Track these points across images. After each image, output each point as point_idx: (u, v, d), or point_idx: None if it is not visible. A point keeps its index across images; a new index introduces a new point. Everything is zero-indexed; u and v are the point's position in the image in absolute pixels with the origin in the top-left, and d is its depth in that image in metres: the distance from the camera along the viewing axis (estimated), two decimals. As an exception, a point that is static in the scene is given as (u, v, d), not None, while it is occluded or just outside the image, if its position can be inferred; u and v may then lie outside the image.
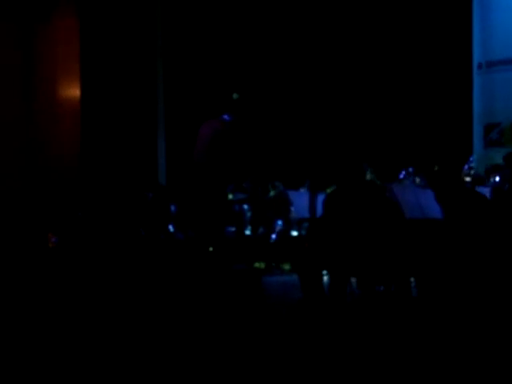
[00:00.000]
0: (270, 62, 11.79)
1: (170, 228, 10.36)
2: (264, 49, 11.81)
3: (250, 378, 4.81)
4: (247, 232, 10.24)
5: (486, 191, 7.26)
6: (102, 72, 11.87)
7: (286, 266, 9.66)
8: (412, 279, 6.61)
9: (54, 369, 5.00)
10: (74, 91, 11.85)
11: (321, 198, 6.86)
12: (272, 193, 10.47)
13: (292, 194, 8.54)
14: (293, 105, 11.72)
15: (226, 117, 8.49)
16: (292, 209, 9.63)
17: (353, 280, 6.69)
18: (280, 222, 10.03)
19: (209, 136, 8.51)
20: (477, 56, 10.53)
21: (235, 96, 8.57)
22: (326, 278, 6.78)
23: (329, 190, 7.52)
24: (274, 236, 9.97)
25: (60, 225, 10.20)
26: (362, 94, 11.40)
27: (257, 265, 9.70)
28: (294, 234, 9.85)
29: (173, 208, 10.54)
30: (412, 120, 11.00)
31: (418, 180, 8.75)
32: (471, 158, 9.49)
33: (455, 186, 6.34)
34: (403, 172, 8.96)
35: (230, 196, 10.26)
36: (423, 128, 10.88)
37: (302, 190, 8.98)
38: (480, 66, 10.50)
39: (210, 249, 8.51)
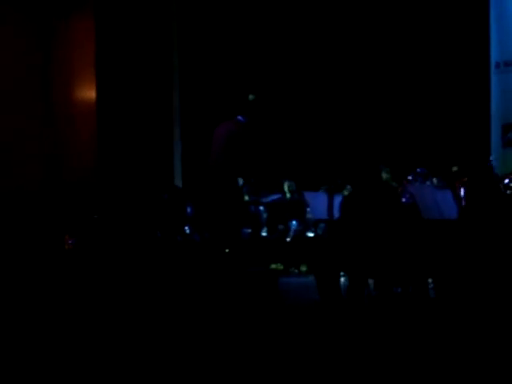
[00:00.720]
0: (286, 63, 11.77)
1: (186, 229, 10.37)
2: (280, 50, 11.79)
3: (266, 379, 4.79)
4: (263, 233, 10.23)
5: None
6: (118, 74, 11.88)
7: (303, 268, 9.64)
8: (429, 280, 6.57)
9: (66, 369, 4.99)
10: (89, 93, 11.86)
11: (338, 199, 6.83)
12: (288, 194, 10.45)
13: (308, 196, 8.51)
14: (308, 106, 11.69)
15: (241, 118, 8.46)
16: (308, 210, 9.61)
17: (370, 281, 6.66)
18: (296, 223, 10.02)
19: (224, 137, 8.48)
20: (494, 55, 10.48)
21: (251, 97, 8.54)
22: (343, 280, 6.75)
23: (346, 192, 7.50)
24: (289, 237, 9.95)
25: (77, 227, 10.22)
26: (378, 94, 11.36)
27: (273, 266, 9.68)
28: (311, 235, 9.83)
29: (189, 209, 10.54)
30: (429, 120, 10.95)
31: (435, 181, 8.70)
32: (491, 158, 9.44)
33: (483, 183, 6.29)
34: (412, 174, 8.86)
35: (246, 197, 10.25)
36: (441, 128, 10.83)
37: (320, 192, 8.94)
38: (498, 65, 10.44)
39: (226, 250, 8.49)
